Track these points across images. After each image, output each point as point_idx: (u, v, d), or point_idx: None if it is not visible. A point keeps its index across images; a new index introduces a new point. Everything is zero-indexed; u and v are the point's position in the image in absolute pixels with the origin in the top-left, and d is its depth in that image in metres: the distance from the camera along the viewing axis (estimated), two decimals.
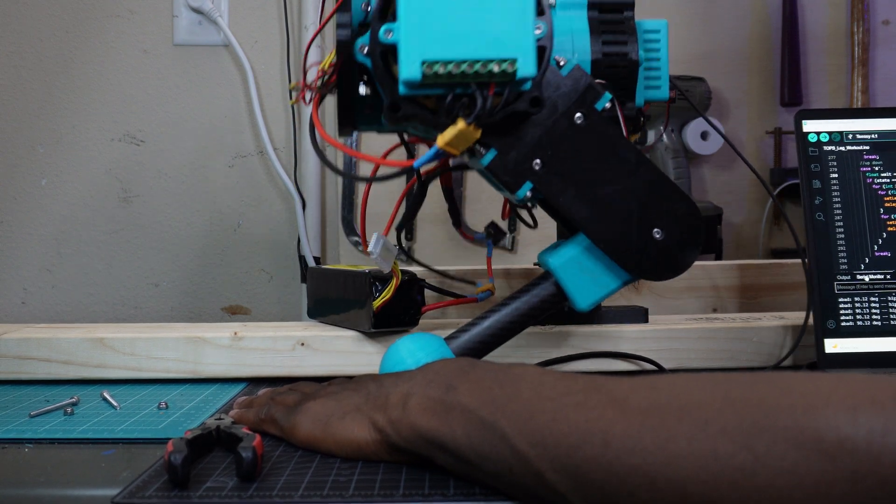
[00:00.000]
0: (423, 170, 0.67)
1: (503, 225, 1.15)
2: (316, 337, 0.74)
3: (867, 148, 0.74)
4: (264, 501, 0.45)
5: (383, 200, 0.76)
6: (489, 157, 0.58)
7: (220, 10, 1.21)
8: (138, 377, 0.74)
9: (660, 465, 0.38)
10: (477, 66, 0.52)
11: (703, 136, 1.19)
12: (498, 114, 0.55)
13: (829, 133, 0.75)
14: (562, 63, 0.58)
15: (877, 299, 0.71)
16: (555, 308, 0.63)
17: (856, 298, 0.71)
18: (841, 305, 0.71)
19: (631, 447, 0.39)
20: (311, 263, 1.17)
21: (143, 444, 0.56)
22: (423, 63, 0.52)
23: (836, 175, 0.74)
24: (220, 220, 1.22)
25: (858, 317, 0.71)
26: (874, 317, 0.71)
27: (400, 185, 0.72)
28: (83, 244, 1.21)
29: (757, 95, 1.27)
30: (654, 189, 0.59)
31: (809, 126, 0.75)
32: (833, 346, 0.71)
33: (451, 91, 0.53)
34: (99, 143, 1.21)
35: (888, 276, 0.72)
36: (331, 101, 1.15)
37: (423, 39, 0.52)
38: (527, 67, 0.53)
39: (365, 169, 1.15)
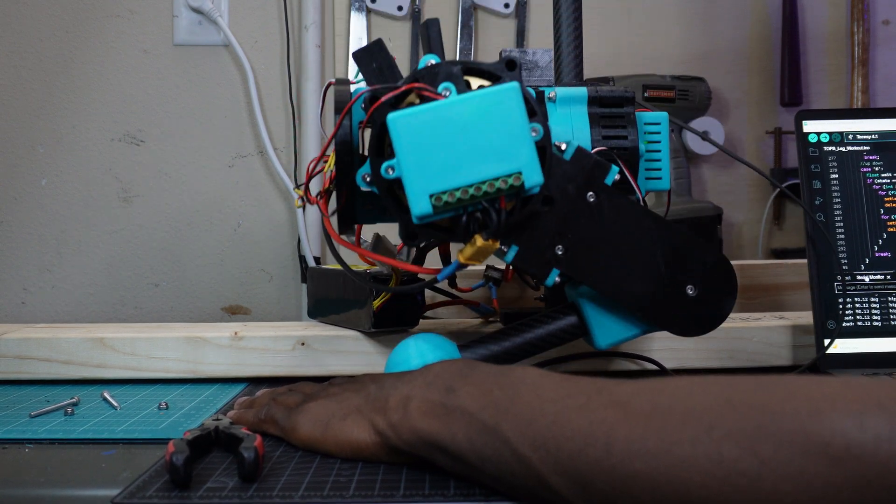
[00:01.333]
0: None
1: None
2: (316, 337, 0.74)
3: (867, 148, 0.74)
4: (264, 502, 0.45)
5: None
6: (512, 253, 0.58)
7: (220, 10, 1.21)
8: (138, 377, 0.74)
9: (663, 470, 0.37)
10: (484, 188, 0.52)
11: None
12: (513, 220, 0.55)
13: (830, 133, 0.75)
14: (563, 148, 0.58)
15: (877, 300, 0.71)
16: (574, 339, 0.63)
17: (856, 299, 0.71)
18: (841, 306, 0.71)
19: (634, 451, 0.38)
20: (311, 263, 1.17)
21: (143, 445, 0.56)
22: (431, 196, 0.52)
23: (837, 175, 0.74)
24: (220, 220, 1.22)
25: (859, 317, 0.71)
26: (874, 317, 0.71)
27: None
28: (83, 244, 1.21)
29: (757, 95, 1.27)
30: (678, 247, 0.59)
31: (809, 126, 0.75)
32: (833, 346, 0.71)
33: (464, 212, 0.53)
34: (99, 143, 1.21)
35: (888, 277, 0.72)
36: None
37: (426, 173, 0.52)
38: (533, 177, 0.53)
39: None
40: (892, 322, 0.71)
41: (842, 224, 0.73)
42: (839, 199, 0.73)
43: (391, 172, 0.52)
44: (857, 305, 0.71)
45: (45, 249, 1.21)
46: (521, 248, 0.58)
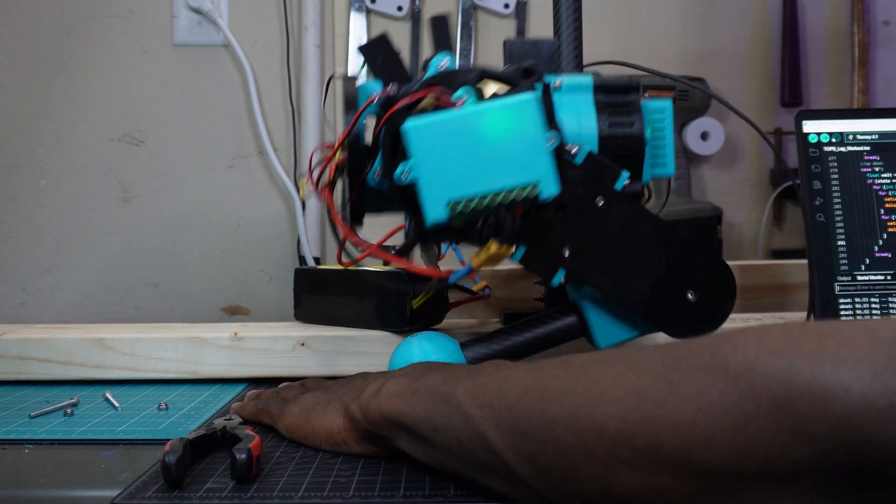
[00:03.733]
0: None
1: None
2: (316, 337, 0.74)
3: (867, 148, 0.74)
4: (264, 502, 0.45)
5: None
6: (520, 253, 0.58)
7: (219, 10, 1.21)
8: (138, 378, 0.74)
9: (584, 406, 0.38)
10: (501, 198, 0.52)
11: (704, 136, 1.19)
12: (523, 225, 0.55)
13: (830, 134, 0.74)
14: (573, 152, 0.57)
15: (877, 300, 0.71)
16: (574, 338, 0.63)
17: (856, 299, 0.71)
18: (841, 306, 0.71)
19: (563, 392, 0.39)
20: (311, 264, 1.17)
21: (142, 445, 0.56)
22: (448, 204, 0.52)
23: (837, 176, 0.73)
24: (219, 220, 1.22)
25: (859, 317, 0.71)
26: (875, 317, 0.71)
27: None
28: (82, 244, 1.21)
29: (757, 95, 1.27)
30: (681, 254, 0.59)
31: (810, 127, 0.75)
32: None
33: (480, 219, 0.54)
34: (99, 143, 1.21)
35: (888, 277, 0.72)
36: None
37: (442, 181, 0.52)
38: (549, 188, 0.53)
39: None
40: None
41: (842, 224, 0.73)
42: (839, 200, 0.73)
43: (406, 176, 0.52)
44: (857, 306, 0.71)
45: (44, 250, 1.21)
46: (528, 248, 0.58)
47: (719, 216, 1.15)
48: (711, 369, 0.35)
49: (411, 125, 0.52)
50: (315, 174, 0.62)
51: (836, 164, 0.74)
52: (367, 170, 0.58)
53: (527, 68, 0.57)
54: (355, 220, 0.61)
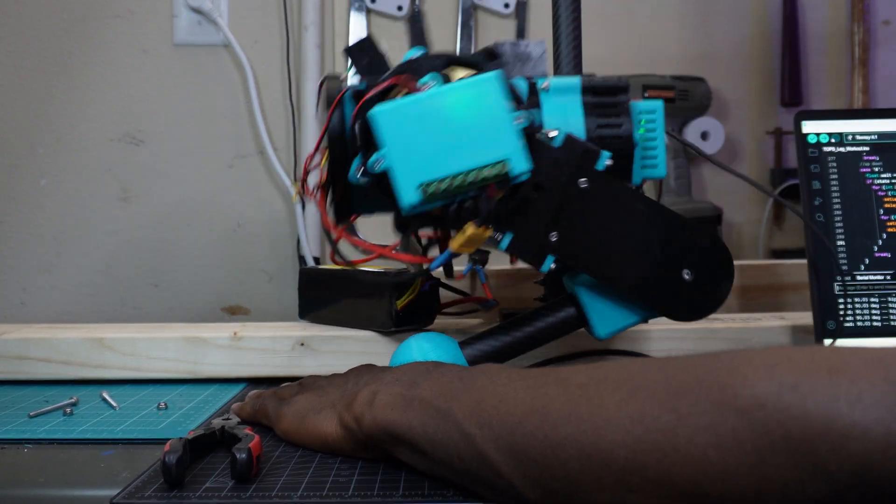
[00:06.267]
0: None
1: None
2: (316, 337, 0.74)
3: (867, 149, 0.74)
4: (263, 502, 0.45)
5: None
6: (506, 241, 0.58)
7: (219, 10, 1.21)
8: (138, 377, 0.74)
9: (590, 433, 0.38)
10: (471, 177, 0.53)
11: (704, 136, 1.19)
12: (503, 208, 0.55)
13: (829, 134, 0.74)
14: (551, 135, 0.57)
15: (877, 300, 0.71)
16: (573, 330, 0.63)
17: (856, 299, 0.71)
18: (841, 306, 0.71)
19: (566, 418, 0.39)
20: (311, 263, 1.17)
21: (142, 445, 0.56)
22: (420, 186, 0.52)
23: (836, 176, 0.73)
24: (219, 220, 1.22)
25: (858, 317, 0.71)
26: (874, 317, 0.71)
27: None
28: (82, 244, 1.21)
29: (757, 95, 1.27)
30: (672, 232, 0.58)
31: (809, 127, 0.75)
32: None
33: (453, 201, 0.54)
34: (98, 143, 1.21)
35: (888, 277, 0.72)
36: None
37: (412, 164, 0.53)
38: (519, 164, 0.53)
39: None
40: (891, 322, 0.71)
41: (841, 224, 0.72)
42: (839, 200, 0.73)
43: (379, 165, 0.53)
44: (856, 306, 0.71)
45: (44, 250, 1.21)
46: (515, 235, 0.58)
47: (719, 216, 1.15)
48: (720, 402, 0.35)
49: (377, 110, 0.52)
50: (308, 176, 0.62)
51: (835, 165, 0.74)
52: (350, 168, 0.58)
53: (490, 51, 0.57)
54: (341, 216, 0.61)
